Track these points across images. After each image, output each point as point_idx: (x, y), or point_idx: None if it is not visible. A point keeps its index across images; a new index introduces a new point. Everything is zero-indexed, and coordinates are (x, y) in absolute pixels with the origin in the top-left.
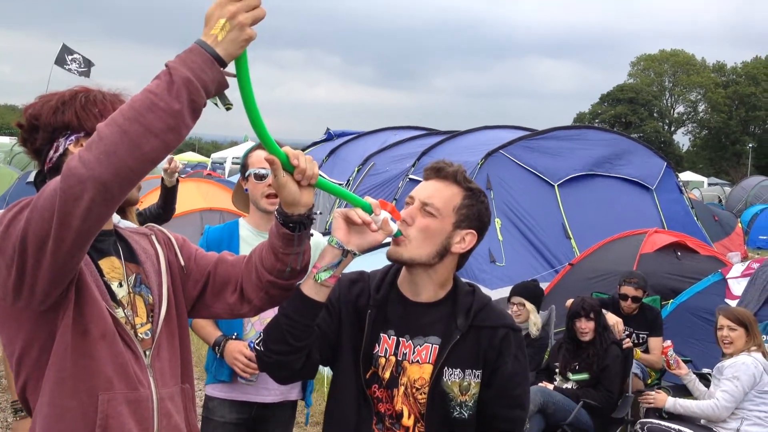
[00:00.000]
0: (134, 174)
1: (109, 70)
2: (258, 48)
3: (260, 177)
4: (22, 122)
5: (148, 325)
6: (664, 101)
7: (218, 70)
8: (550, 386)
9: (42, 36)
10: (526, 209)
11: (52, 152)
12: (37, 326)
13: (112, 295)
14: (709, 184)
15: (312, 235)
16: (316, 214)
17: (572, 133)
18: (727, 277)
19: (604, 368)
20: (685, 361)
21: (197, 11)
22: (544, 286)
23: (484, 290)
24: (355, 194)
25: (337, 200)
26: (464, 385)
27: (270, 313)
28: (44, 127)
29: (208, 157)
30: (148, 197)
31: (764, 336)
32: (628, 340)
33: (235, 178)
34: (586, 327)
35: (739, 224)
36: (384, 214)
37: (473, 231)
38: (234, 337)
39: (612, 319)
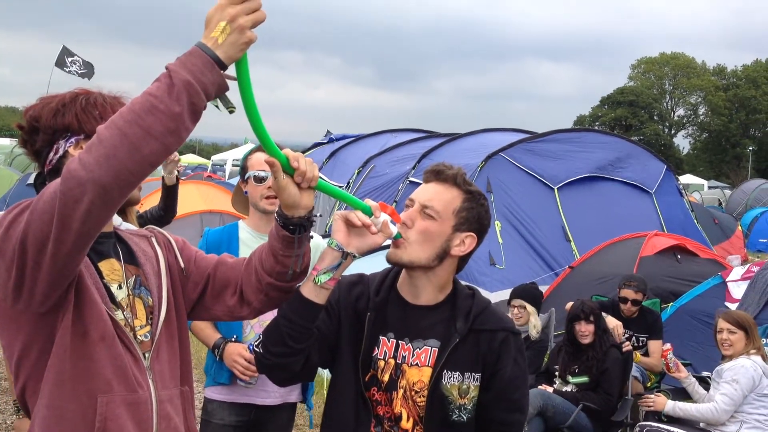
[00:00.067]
0: (134, 177)
1: (109, 71)
2: (258, 50)
3: (260, 179)
4: (23, 124)
5: (148, 328)
6: (665, 104)
7: (218, 72)
8: (550, 389)
9: (42, 37)
10: (526, 212)
11: (52, 154)
12: (37, 328)
13: (112, 297)
14: (710, 187)
15: (312, 237)
16: (316, 216)
17: (572, 136)
18: (727, 280)
19: (604, 371)
20: (685, 365)
21: (197, 14)
22: (543, 289)
23: (484, 293)
24: (355, 197)
25: (337, 203)
26: (463, 388)
27: (269, 316)
28: (44, 129)
29: (209, 159)
30: (149, 199)
31: (764, 339)
32: (627, 343)
33: (236, 180)
34: (585, 330)
35: (739, 227)
36: (384, 217)
37: (473, 234)
38: (233, 339)
39: (612, 322)
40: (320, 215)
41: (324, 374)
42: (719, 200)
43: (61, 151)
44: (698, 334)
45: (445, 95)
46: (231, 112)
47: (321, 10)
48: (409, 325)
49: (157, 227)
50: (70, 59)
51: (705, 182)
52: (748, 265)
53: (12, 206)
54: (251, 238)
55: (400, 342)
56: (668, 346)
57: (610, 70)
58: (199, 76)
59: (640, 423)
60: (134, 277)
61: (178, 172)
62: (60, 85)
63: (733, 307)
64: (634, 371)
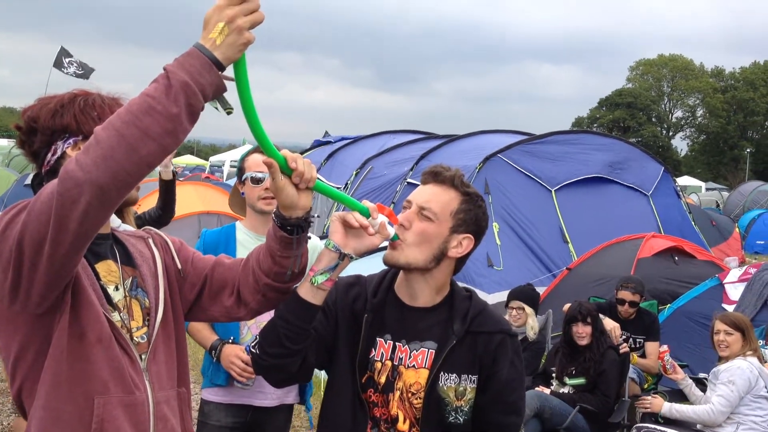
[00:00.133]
0: (131, 177)
1: (107, 73)
2: (257, 51)
3: (257, 180)
4: (21, 125)
5: (144, 329)
6: (663, 106)
7: (216, 73)
8: (547, 391)
9: (42, 38)
10: (524, 213)
11: (49, 155)
12: (34, 329)
13: (108, 298)
14: (707, 189)
15: (309, 238)
16: (313, 217)
17: (570, 138)
18: (724, 281)
19: (601, 373)
20: (682, 366)
21: (196, 14)
22: (541, 290)
23: (482, 294)
24: (353, 198)
25: (335, 204)
26: (460, 390)
27: (266, 317)
28: (42, 130)
29: (207, 160)
30: (147, 200)
31: (761, 341)
32: (624, 344)
33: (233, 182)
34: (583, 331)
35: (737, 229)
36: (381, 218)
37: (470, 235)
38: (230, 341)
39: (609, 324)
40: (318, 216)
41: (322, 375)
42: (717, 202)
43: (59, 152)
44: (695, 336)
45: (444, 97)
46: (229, 113)
47: (320, 11)
48: (407, 327)
49: (154, 228)
50: (67, 60)
51: (703, 184)
52: (746, 266)
53: (9, 207)
54: (248, 240)
55: (397, 344)
56: (665, 347)
57: (609, 72)
58: (197, 77)
59: (637, 425)
60: (131, 278)
61: (176, 173)
62: (58, 86)
63: (730, 308)
64: (631, 373)
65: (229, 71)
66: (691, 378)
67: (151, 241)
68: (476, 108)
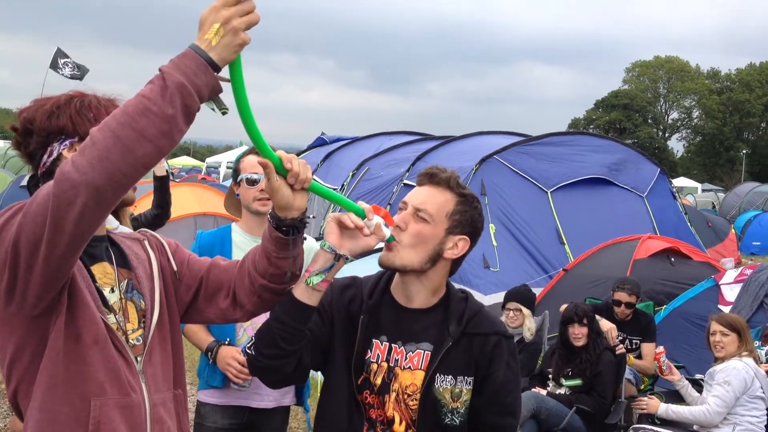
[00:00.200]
0: (127, 179)
1: (104, 73)
2: (252, 52)
3: (252, 182)
4: (17, 126)
5: (140, 331)
6: (659, 107)
7: (212, 74)
8: (544, 392)
9: (40, 40)
10: (520, 215)
11: (45, 157)
12: (29, 331)
13: (104, 300)
14: (703, 190)
15: (305, 239)
16: (309, 218)
17: (566, 139)
18: (720, 283)
19: (597, 374)
20: (678, 367)
21: (192, 15)
22: (537, 291)
23: (478, 296)
24: (350, 199)
25: (331, 205)
26: (456, 391)
27: (262, 318)
28: (38, 132)
29: (203, 161)
30: (143, 201)
31: (756, 342)
32: (621, 345)
33: (230, 183)
34: (579, 332)
35: (733, 230)
36: (377, 219)
37: (466, 237)
38: (226, 342)
39: (606, 325)
40: (314, 217)
41: (319, 376)
42: (713, 203)
43: (55, 154)
44: (691, 337)
45: (440, 98)
46: (224, 113)
47: (314, 12)
48: (402, 329)
49: (149, 230)
50: (62, 61)
51: (699, 185)
52: (741, 267)
53: (5, 209)
54: (244, 241)
55: (392, 345)
56: (661, 348)
57: (605, 74)
58: (193, 78)
59: (634, 426)
60: (126, 280)
61: (173, 174)
62: (55, 88)
63: (726, 309)
64: (628, 374)
65: (225, 72)
66: (687, 379)
67: (146, 243)
68: (472, 109)
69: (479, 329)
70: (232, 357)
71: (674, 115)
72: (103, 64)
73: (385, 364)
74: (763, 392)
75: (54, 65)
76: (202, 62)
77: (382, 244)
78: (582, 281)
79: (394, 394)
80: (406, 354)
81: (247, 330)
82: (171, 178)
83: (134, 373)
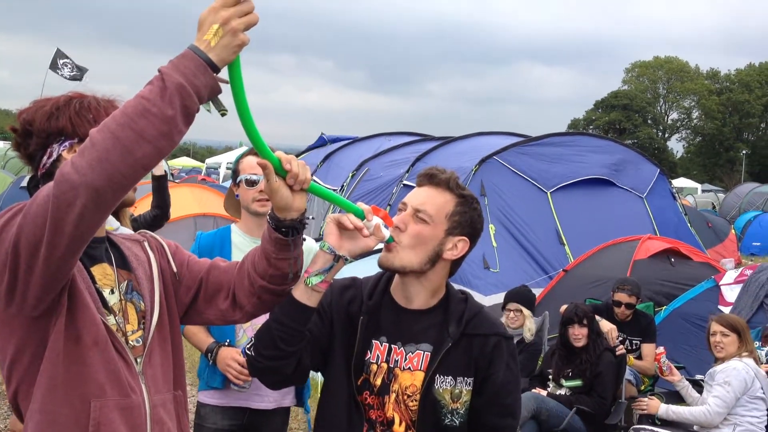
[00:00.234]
0: (127, 180)
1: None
2: (251, 53)
3: (251, 183)
4: (16, 127)
5: (139, 332)
6: (658, 108)
7: (211, 75)
8: (544, 392)
9: (40, 40)
10: (520, 215)
11: (45, 158)
12: (29, 332)
13: (104, 302)
14: (703, 191)
15: (304, 240)
16: (308, 219)
17: (566, 140)
18: (720, 283)
19: (597, 374)
20: (678, 368)
21: (191, 16)
22: (537, 292)
23: (478, 296)
24: (349, 200)
25: (331, 206)
26: (456, 392)
27: (262, 320)
28: (38, 133)
29: (203, 162)
30: (143, 202)
31: (757, 342)
32: (621, 346)
33: (230, 183)
34: (579, 333)
35: (733, 231)
36: (376, 220)
37: (465, 238)
38: (226, 343)
39: (606, 326)
40: (313, 218)
41: (319, 377)
42: (713, 204)
43: (54, 155)
44: (691, 338)
45: (439, 98)
46: (223, 114)
47: (313, 13)
48: (402, 329)
49: (149, 231)
50: (62, 61)
51: (698, 186)
52: (741, 268)
53: (5, 210)
54: (244, 242)
55: (392, 346)
56: (661, 349)
57: (605, 74)
58: (192, 78)
59: (634, 426)
60: (126, 281)
61: (173, 175)
62: (55, 88)
63: (726, 310)
64: (628, 374)
65: (224, 73)
66: (687, 379)
67: (146, 244)
68: (472, 110)
69: (479, 330)
70: (232, 358)
71: (674, 115)
72: (103, 64)
73: (384, 365)
74: (764, 393)
75: (54, 66)
76: (201, 63)
77: (381, 245)
78: (582, 282)
79: (393, 395)
80: (406, 355)
81: (247, 331)
82: (171, 178)
83: (134, 375)
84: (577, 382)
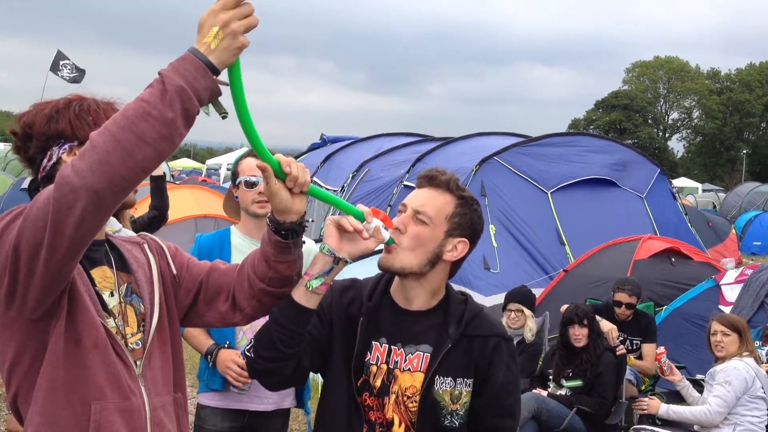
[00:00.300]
0: (127, 183)
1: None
2: (251, 54)
3: (250, 185)
4: (16, 130)
5: (139, 335)
6: (659, 108)
7: (211, 78)
8: (544, 393)
9: (40, 42)
10: (520, 216)
11: (45, 161)
12: (29, 335)
13: (104, 304)
14: (704, 190)
15: (304, 243)
16: (308, 221)
17: (566, 140)
18: (720, 283)
19: (598, 375)
20: (679, 368)
21: (191, 18)
22: (538, 292)
23: (479, 297)
24: (350, 201)
25: (331, 208)
26: (455, 393)
27: (261, 322)
28: (38, 136)
29: (203, 163)
30: (144, 203)
31: (757, 342)
32: (621, 346)
33: (229, 185)
34: (579, 333)
35: (733, 230)
36: (376, 222)
37: (465, 239)
38: (226, 345)
39: (607, 326)
40: (313, 220)
41: (319, 378)
42: (713, 203)
43: (54, 158)
44: (692, 337)
45: (440, 99)
46: (224, 117)
47: (313, 14)
48: (402, 331)
49: (149, 234)
50: (62, 63)
51: (699, 185)
52: (742, 268)
53: (5, 212)
54: (243, 244)
55: (392, 347)
56: (662, 349)
57: (605, 74)
58: (192, 81)
59: (635, 426)
60: (126, 284)
61: (173, 176)
62: (55, 90)
63: (726, 310)
64: (628, 374)
65: (224, 75)
66: (688, 379)
67: (146, 246)
68: (472, 110)
69: (479, 331)
70: (231, 360)
71: (674, 115)
72: (102, 65)
73: (384, 366)
74: (764, 392)
75: (54, 67)
76: (201, 66)
77: (381, 246)
78: (582, 282)
79: (393, 396)
80: (406, 356)
81: (247, 333)
82: (171, 180)
83: (134, 377)
84: (578, 383)
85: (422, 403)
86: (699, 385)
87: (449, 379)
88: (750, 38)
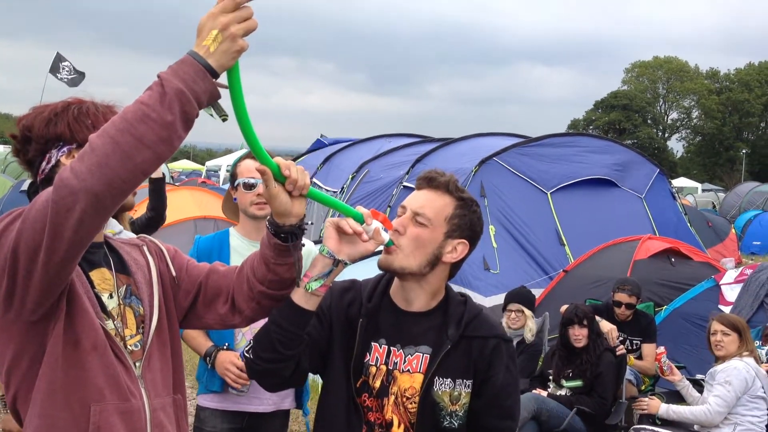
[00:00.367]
0: (126, 185)
1: (103, 77)
2: (251, 56)
3: (249, 186)
4: (16, 134)
5: (138, 337)
6: (658, 108)
7: (210, 81)
8: (544, 393)
9: (39, 45)
10: (520, 216)
11: (44, 164)
12: (28, 337)
13: (103, 306)
14: (703, 190)
15: (303, 245)
16: (307, 224)
17: (566, 140)
18: (720, 283)
19: (598, 375)
20: (679, 368)
21: (191, 20)
22: (538, 292)
23: (478, 298)
24: (349, 202)
25: (330, 210)
26: (455, 394)
27: (261, 323)
28: (37, 139)
29: (203, 165)
30: (143, 205)
31: (757, 342)
32: (621, 346)
33: (228, 187)
34: (579, 334)
35: (733, 230)
36: (375, 224)
37: (465, 240)
38: (225, 347)
39: (607, 326)
40: (312, 222)
41: (318, 379)
42: (713, 203)
43: (53, 161)
44: (692, 337)
45: (440, 100)
46: (224, 119)
47: (313, 16)
48: (401, 332)
49: (148, 236)
50: (62, 65)
51: (699, 185)
52: (742, 267)
53: (4, 214)
54: (242, 245)
55: (391, 348)
56: (662, 349)
57: (604, 74)
58: (191, 84)
59: (635, 426)
60: (125, 286)
61: (173, 177)
62: (54, 93)
63: (726, 310)
64: (628, 374)
65: (223, 78)
66: (688, 379)
67: (145, 248)
68: (472, 111)
69: (478, 332)
70: (230, 362)
71: (674, 115)
72: (102, 67)
73: (384, 367)
74: (764, 392)
75: (54, 69)
76: (200, 69)
77: (381, 247)
78: (582, 282)
79: (392, 397)
80: (405, 357)
81: (246, 335)
82: (171, 181)
83: (133, 379)
84: (578, 383)
85: (421, 404)
86: (699, 385)
87: (448, 380)
88: (750, 38)
